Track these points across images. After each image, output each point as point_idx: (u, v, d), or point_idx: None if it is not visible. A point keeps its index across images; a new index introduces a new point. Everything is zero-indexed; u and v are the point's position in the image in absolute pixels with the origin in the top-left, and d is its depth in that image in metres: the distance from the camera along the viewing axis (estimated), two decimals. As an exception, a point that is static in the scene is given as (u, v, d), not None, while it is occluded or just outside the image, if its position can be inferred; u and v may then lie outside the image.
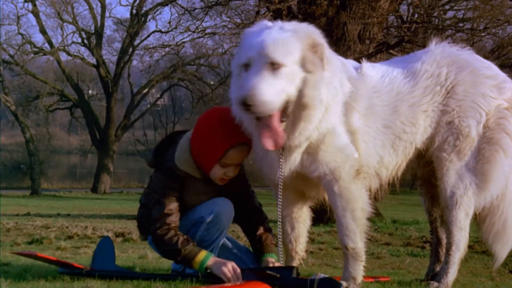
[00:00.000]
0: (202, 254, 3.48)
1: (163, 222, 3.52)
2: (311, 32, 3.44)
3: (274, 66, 3.21)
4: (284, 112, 3.29)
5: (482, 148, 3.65)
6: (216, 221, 3.58)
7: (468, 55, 3.80)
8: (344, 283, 3.50)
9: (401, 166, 3.74)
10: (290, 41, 3.29)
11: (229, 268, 3.44)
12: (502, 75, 3.80)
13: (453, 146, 3.63)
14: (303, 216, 3.86)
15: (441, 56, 3.75)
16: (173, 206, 3.57)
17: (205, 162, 3.57)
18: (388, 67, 3.80)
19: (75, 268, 3.76)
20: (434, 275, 3.94)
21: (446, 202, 3.69)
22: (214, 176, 3.61)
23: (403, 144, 3.66)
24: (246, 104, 3.14)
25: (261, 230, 3.78)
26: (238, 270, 3.47)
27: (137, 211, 3.85)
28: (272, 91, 3.17)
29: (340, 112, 3.50)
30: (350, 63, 3.76)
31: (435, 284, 3.71)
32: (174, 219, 3.55)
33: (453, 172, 3.65)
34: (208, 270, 3.46)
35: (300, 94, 3.27)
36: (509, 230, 3.87)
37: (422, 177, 3.96)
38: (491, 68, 3.79)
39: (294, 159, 3.46)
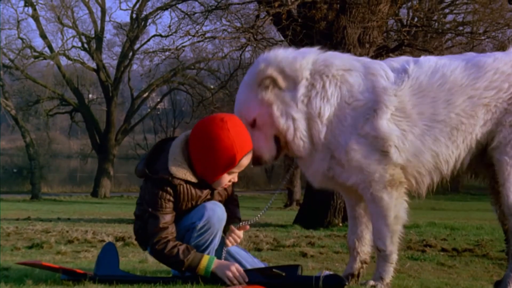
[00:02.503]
0: (205, 260, 3.47)
1: (160, 237, 3.50)
2: (256, 72, 3.66)
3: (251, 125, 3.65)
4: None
5: None
6: (208, 226, 3.57)
7: None
8: (371, 282, 3.60)
9: (464, 159, 3.68)
10: (248, 96, 3.67)
11: (233, 270, 3.44)
12: None
13: None
14: (366, 216, 3.88)
15: None
16: (168, 218, 3.54)
17: (212, 172, 3.55)
18: (446, 60, 3.77)
19: (78, 274, 3.74)
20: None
21: (509, 210, 3.60)
22: (220, 184, 3.61)
23: (462, 135, 3.63)
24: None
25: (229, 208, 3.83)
26: (242, 271, 3.47)
27: (133, 224, 3.83)
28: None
29: (355, 123, 3.59)
30: (391, 64, 3.76)
31: None
32: (170, 231, 3.53)
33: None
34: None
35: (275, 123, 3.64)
36: None
37: (483, 179, 3.90)
38: None
39: (317, 170, 3.68)
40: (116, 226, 11.69)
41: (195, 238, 3.59)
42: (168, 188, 3.52)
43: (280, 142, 3.64)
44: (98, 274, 3.67)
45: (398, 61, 3.79)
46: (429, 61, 3.75)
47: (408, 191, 3.71)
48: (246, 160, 3.57)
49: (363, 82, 3.64)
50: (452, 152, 3.64)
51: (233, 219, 3.81)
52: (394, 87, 3.62)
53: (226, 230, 3.75)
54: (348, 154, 3.57)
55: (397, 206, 3.61)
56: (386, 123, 3.56)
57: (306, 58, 3.69)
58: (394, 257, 3.69)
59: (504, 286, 3.71)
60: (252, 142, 3.58)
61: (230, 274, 3.44)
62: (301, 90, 3.61)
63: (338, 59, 3.74)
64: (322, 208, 11.67)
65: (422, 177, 3.68)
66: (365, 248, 3.91)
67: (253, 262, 3.84)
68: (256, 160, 3.66)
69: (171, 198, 3.54)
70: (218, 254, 3.70)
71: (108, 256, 3.75)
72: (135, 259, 6.04)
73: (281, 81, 3.59)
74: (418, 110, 3.61)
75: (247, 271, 3.54)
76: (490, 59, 3.71)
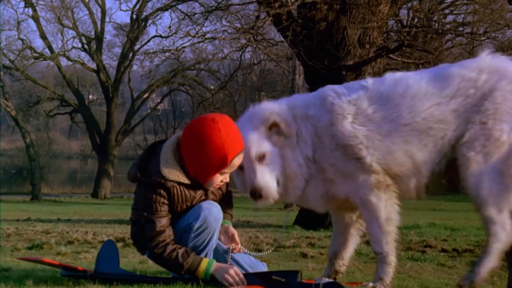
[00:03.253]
0: (204, 263, 3.47)
1: (158, 241, 3.50)
2: (263, 118, 3.86)
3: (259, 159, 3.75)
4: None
5: None
6: (205, 226, 3.57)
7: None
8: (371, 284, 3.70)
9: (440, 162, 3.81)
10: (259, 134, 3.81)
11: (232, 273, 3.45)
12: None
13: (482, 146, 3.70)
14: (349, 232, 4.13)
15: (486, 64, 3.84)
16: (164, 221, 3.53)
17: (204, 173, 3.55)
18: (412, 73, 3.99)
19: (79, 271, 3.75)
20: None
21: (475, 204, 3.72)
22: (212, 184, 3.61)
23: (433, 139, 3.78)
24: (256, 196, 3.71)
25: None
26: (241, 274, 3.47)
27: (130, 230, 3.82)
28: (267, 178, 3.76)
29: (326, 143, 3.85)
30: (348, 86, 4.03)
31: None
32: (168, 234, 3.52)
33: (478, 173, 3.70)
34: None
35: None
36: None
37: (458, 183, 3.97)
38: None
39: (316, 195, 3.86)
40: (116, 227, 11.70)
41: (192, 238, 3.58)
42: (162, 191, 3.52)
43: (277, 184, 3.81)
44: (99, 271, 3.67)
45: (359, 81, 4.06)
46: (394, 75, 3.98)
47: (400, 195, 3.82)
48: (237, 160, 3.56)
49: (319, 109, 3.91)
50: (425, 155, 3.79)
51: (225, 214, 3.85)
52: (347, 99, 3.87)
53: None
54: (332, 168, 3.80)
55: (387, 207, 3.74)
56: (350, 126, 3.79)
57: (289, 108, 3.98)
58: (392, 258, 3.79)
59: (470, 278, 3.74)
60: (255, 176, 3.67)
61: (229, 277, 3.44)
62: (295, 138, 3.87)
63: (298, 100, 4.05)
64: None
65: (406, 178, 3.82)
66: (340, 261, 4.10)
67: (251, 262, 3.83)
68: (260, 191, 3.71)
69: (166, 201, 3.54)
70: (216, 254, 3.70)
71: (108, 253, 3.75)
72: (135, 260, 6.04)
73: (286, 129, 3.83)
74: (381, 114, 3.80)
75: (246, 275, 3.53)
76: (456, 68, 3.90)
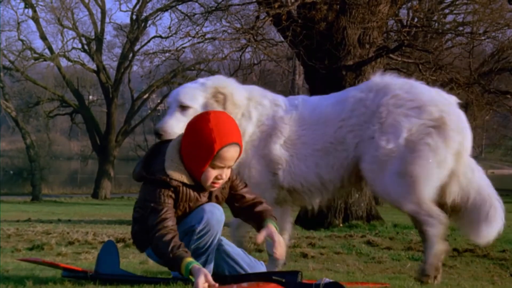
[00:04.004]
0: (185, 262, 3.31)
1: (162, 226, 3.44)
2: (216, 85, 4.39)
3: (183, 108, 4.31)
4: None
5: (405, 156, 4.12)
6: (208, 228, 3.54)
7: (398, 82, 4.34)
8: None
9: (344, 178, 4.37)
10: (196, 91, 4.36)
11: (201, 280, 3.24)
12: (425, 99, 4.22)
13: (375, 157, 4.18)
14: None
15: (374, 83, 4.37)
16: (169, 211, 3.48)
17: (196, 165, 3.49)
18: (323, 99, 4.54)
19: (79, 272, 3.75)
20: None
21: (394, 207, 4.27)
22: (206, 179, 3.50)
23: (338, 161, 4.32)
24: (158, 134, 4.26)
25: (260, 207, 3.69)
26: (213, 283, 3.24)
27: (131, 228, 3.80)
28: (180, 126, 4.15)
29: (256, 147, 4.34)
30: (289, 99, 4.55)
31: None
32: (171, 223, 3.48)
33: (381, 182, 4.20)
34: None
35: None
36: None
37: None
38: (411, 93, 4.25)
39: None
40: (116, 228, 11.69)
41: (194, 241, 3.56)
42: (168, 187, 3.50)
43: None
44: (99, 272, 3.67)
45: (295, 97, 4.61)
46: (313, 99, 4.57)
47: (302, 207, 4.61)
48: (227, 152, 3.45)
49: (270, 109, 4.42)
50: (333, 175, 4.35)
51: (266, 210, 3.68)
52: (287, 116, 4.39)
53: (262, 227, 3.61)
54: (250, 171, 4.31)
55: (282, 219, 4.27)
56: (279, 148, 4.32)
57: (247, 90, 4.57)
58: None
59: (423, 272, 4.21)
60: (168, 120, 4.28)
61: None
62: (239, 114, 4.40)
63: (256, 89, 4.61)
64: (322, 208, 11.65)
65: (313, 195, 4.43)
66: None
67: (250, 262, 3.81)
68: (162, 134, 4.24)
69: (172, 195, 3.51)
70: (216, 254, 3.68)
71: (109, 254, 3.75)
72: (136, 260, 6.04)
73: (233, 100, 4.34)
74: (302, 140, 4.35)
75: (245, 275, 3.51)
76: (351, 91, 4.46)
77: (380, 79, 4.38)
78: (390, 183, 4.14)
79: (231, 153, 3.49)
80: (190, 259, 3.35)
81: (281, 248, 3.53)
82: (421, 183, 4.10)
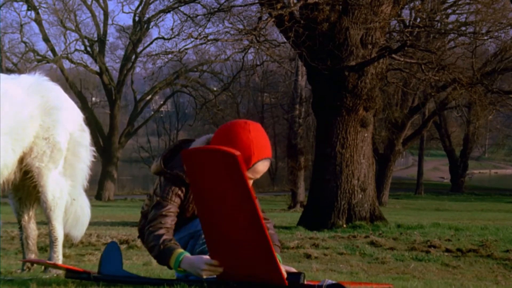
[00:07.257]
0: (176, 253, 3.34)
1: (160, 222, 3.43)
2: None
3: None
4: None
5: (68, 158, 4.86)
6: None
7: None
8: None
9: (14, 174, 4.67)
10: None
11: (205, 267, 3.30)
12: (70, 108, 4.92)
13: (50, 157, 4.65)
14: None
15: (40, 87, 4.89)
16: (172, 209, 3.48)
17: None
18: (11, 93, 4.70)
19: (83, 273, 3.75)
20: None
21: (48, 204, 4.75)
22: None
23: (19, 146, 4.56)
24: None
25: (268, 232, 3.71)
26: (213, 261, 3.31)
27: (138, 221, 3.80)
28: None
29: None
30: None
31: None
32: (170, 221, 3.47)
33: (52, 179, 4.70)
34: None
35: None
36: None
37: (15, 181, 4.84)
38: (64, 100, 4.92)
39: None
40: (120, 229, 11.70)
41: (200, 245, 3.54)
42: (181, 184, 3.49)
43: None
44: (102, 273, 3.67)
45: None
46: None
47: None
48: (261, 166, 3.48)
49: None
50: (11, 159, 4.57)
51: (274, 246, 3.47)
52: None
53: None
54: None
55: None
56: None
57: None
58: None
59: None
60: None
61: (205, 273, 3.29)
62: None
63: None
64: (325, 209, 11.66)
65: None
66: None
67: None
68: None
69: (181, 194, 3.51)
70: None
71: (112, 255, 3.75)
72: (139, 262, 6.05)
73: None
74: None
75: (251, 281, 3.50)
76: (25, 94, 4.75)
77: (45, 80, 5.06)
78: (55, 184, 4.74)
79: (264, 167, 3.50)
80: (181, 250, 3.36)
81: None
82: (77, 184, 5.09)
